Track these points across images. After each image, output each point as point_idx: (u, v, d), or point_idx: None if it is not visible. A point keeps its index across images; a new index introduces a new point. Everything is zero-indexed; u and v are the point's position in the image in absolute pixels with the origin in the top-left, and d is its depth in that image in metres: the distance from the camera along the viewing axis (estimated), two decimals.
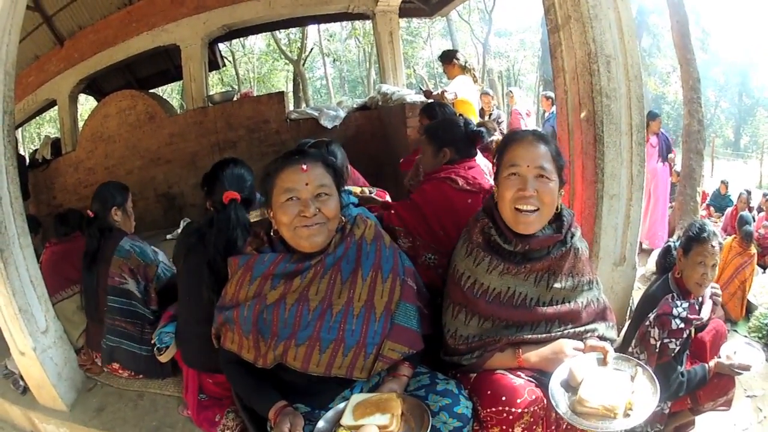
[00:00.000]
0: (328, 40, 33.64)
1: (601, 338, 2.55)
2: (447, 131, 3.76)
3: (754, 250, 7.49)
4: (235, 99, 9.29)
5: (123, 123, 9.45)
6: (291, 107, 9.65)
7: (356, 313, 2.28)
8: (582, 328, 2.50)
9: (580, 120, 3.78)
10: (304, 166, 2.25)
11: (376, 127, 8.25)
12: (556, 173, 2.42)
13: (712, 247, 3.34)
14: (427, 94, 7.04)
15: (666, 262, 3.74)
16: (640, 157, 3.80)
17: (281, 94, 8.95)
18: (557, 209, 2.49)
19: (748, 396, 4.15)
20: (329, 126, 8.07)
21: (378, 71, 10.41)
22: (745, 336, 6.40)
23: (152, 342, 3.72)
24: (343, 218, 2.43)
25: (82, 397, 4.08)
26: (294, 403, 2.30)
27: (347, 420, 2.09)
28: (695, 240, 3.39)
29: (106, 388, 4.10)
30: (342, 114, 8.27)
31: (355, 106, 8.84)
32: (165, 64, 11.80)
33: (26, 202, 8.77)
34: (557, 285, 2.46)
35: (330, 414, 2.19)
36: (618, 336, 2.69)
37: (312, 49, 28.01)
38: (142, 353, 3.93)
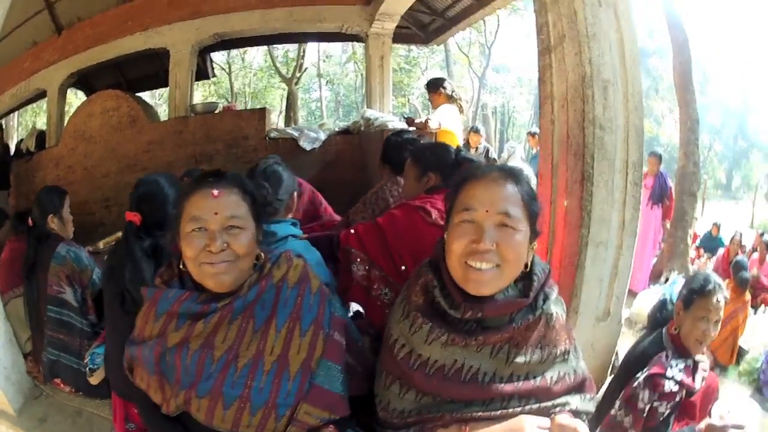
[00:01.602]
0: (325, 61, 33.20)
1: (575, 413, 2.07)
2: (435, 155, 3.42)
3: (748, 296, 7.44)
4: (217, 112, 9.10)
5: (105, 124, 9.24)
6: (282, 125, 9.46)
7: (266, 369, 1.97)
8: (550, 403, 2.03)
9: (567, 154, 3.42)
10: (215, 192, 1.97)
11: (356, 152, 8.03)
12: (526, 222, 1.95)
13: (717, 301, 3.05)
14: (409, 121, 6.75)
15: (660, 316, 3.38)
16: (635, 199, 3.48)
17: (263, 111, 8.71)
18: (526, 267, 2.01)
19: None
20: (308, 148, 7.78)
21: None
22: (734, 381, 6.52)
23: (84, 362, 3.61)
24: (261, 255, 2.11)
25: (29, 404, 4.11)
26: None
27: None
28: (698, 293, 3.09)
29: (50, 399, 4.10)
30: (322, 137, 8.03)
31: (336, 129, 8.64)
32: (155, 68, 11.62)
33: (4, 192, 9.81)
34: (520, 359, 2.00)
35: None
36: (593, 405, 2.21)
37: (306, 68, 27.66)
38: (81, 369, 3.79)
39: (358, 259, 3.14)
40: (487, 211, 1.88)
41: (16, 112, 18.25)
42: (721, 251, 12.19)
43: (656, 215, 9.05)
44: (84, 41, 9.77)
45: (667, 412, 2.88)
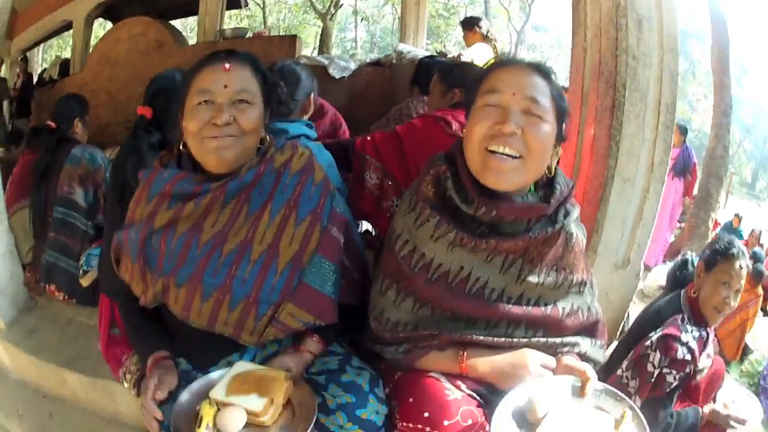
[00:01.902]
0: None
1: (583, 358, 1.90)
2: (462, 71, 3.35)
3: (760, 290, 7.32)
4: (246, 37, 8.89)
5: (132, 49, 9.08)
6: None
7: (253, 258, 1.87)
8: (558, 339, 1.85)
9: (598, 82, 3.21)
10: (227, 65, 1.89)
11: (386, 84, 7.75)
12: (553, 116, 1.75)
13: (740, 267, 2.92)
14: (442, 56, 6.55)
15: (680, 275, 3.30)
16: (666, 143, 3.25)
17: (294, 38, 8.46)
18: (549, 171, 1.82)
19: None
20: (337, 76, 7.51)
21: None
22: (736, 380, 6.27)
23: (80, 263, 3.66)
24: (267, 138, 2.02)
25: (22, 316, 3.98)
26: (178, 355, 1.98)
27: (217, 393, 1.68)
28: (722, 255, 2.96)
29: (43, 310, 4.02)
30: (352, 66, 7.75)
31: (368, 60, 8.39)
32: None
33: (27, 119, 10.05)
34: (533, 278, 1.80)
35: (198, 384, 1.81)
36: (603, 354, 2.07)
37: (341, 4, 27.41)
38: (77, 273, 3.78)
39: (372, 167, 3.04)
40: (514, 94, 1.70)
41: (41, 46, 18.13)
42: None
43: (677, 188, 8.72)
44: None
45: (675, 383, 2.71)
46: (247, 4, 16.38)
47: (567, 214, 1.86)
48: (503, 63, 1.83)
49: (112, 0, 9.91)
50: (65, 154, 4.01)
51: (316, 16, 26.41)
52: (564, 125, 1.81)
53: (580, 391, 1.66)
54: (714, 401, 3.07)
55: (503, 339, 1.78)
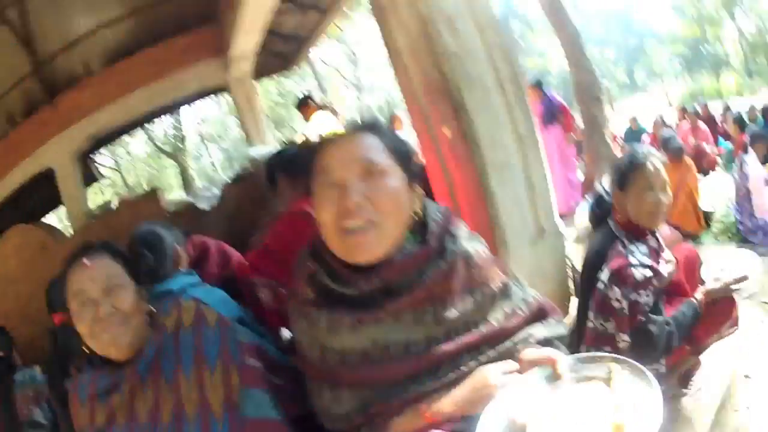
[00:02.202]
0: (201, 123, 33.64)
1: (543, 343, 1.79)
2: (301, 157, 3.44)
3: (688, 161, 7.48)
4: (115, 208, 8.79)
5: (21, 261, 8.68)
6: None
7: (190, 418, 1.85)
8: (509, 342, 1.75)
9: (431, 94, 3.22)
10: (87, 262, 1.95)
11: (255, 194, 7.62)
12: (396, 165, 1.70)
13: (654, 167, 2.82)
14: (291, 144, 6.63)
15: (600, 210, 3.16)
16: (524, 111, 3.30)
17: (154, 192, 8.02)
18: (416, 215, 1.76)
19: (745, 298, 3.64)
20: (207, 207, 7.39)
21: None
22: (714, 243, 6.47)
23: None
24: (153, 310, 2.05)
25: None
26: None
27: None
28: (628, 168, 2.87)
29: None
30: (216, 192, 7.71)
31: (228, 180, 8.23)
32: (48, 190, 10.71)
33: None
34: (450, 314, 1.71)
35: None
36: (563, 327, 1.94)
37: (184, 136, 28.32)
38: None
39: (261, 286, 2.97)
40: (346, 165, 1.64)
41: None
42: (647, 139, 12.31)
43: (555, 134, 8.92)
44: None
45: (651, 300, 2.66)
46: (102, 176, 16.31)
47: (454, 239, 1.79)
48: (329, 140, 1.77)
49: None
50: (10, 381, 4.28)
51: (168, 157, 27.05)
52: (411, 165, 1.75)
53: (555, 376, 1.57)
54: (702, 283, 2.99)
55: (454, 375, 1.68)
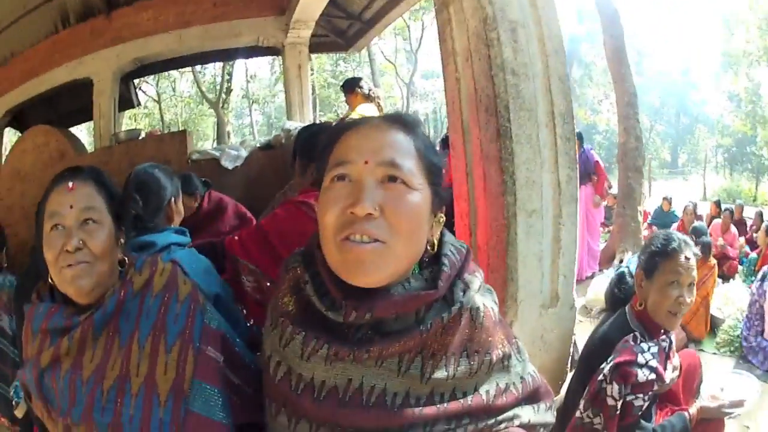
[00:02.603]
0: (250, 81, 33.83)
1: (528, 428, 1.57)
2: (315, 141, 2.95)
3: (713, 261, 7.34)
4: (140, 138, 9.01)
5: (37, 160, 9.05)
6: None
7: (134, 391, 1.71)
8: (491, 420, 1.50)
9: (477, 111, 3.00)
10: (70, 184, 1.83)
11: (279, 166, 7.69)
12: (423, 179, 1.41)
13: (686, 259, 2.64)
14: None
15: (619, 292, 2.99)
16: (570, 156, 3.08)
17: (183, 133, 8.53)
18: (431, 245, 1.48)
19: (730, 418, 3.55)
20: (230, 166, 7.59)
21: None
22: (714, 353, 6.33)
23: (10, 395, 3.68)
24: (126, 260, 1.90)
25: None
26: None
27: None
28: (661, 255, 2.67)
29: None
30: (243, 154, 7.80)
31: (258, 145, 8.34)
32: (84, 101, 11.09)
33: None
34: (440, 374, 1.45)
35: None
36: (552, 414, 1.72)
37: (231, 89, 28.37)
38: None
39: (247, 270, 2.82)
40: (366, 162, 1.37)
41: None
42: (675, 226, 12.02)
43: (586, 194, 8.68)
44: (18, 77, 9.80)
45: (645, 404, 2.47)
46: (140, 103, 16.61)
47: (466, 288, 1.51)
48: (352, 125, 1.49)
49: (18, 106, 10.08)
50: None
51: (209, 105, 27.31)
52: (440, 185, 1.49)
53: None
54: (697, 397, 2.91)
55: None
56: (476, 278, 1.55)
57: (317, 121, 9.88)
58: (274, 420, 1.55)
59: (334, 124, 1.98)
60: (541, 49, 2.96)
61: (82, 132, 14.61)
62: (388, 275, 1.37)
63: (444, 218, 1.53)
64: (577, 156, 8.28)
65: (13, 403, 3.52)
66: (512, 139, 2.83)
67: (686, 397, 2.89)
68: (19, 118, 10.99)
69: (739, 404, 2.80)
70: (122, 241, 1.92)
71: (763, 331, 6.06)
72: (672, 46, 41.94)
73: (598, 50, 25.86)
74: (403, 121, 1.47)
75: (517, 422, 1.54)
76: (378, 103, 6.46)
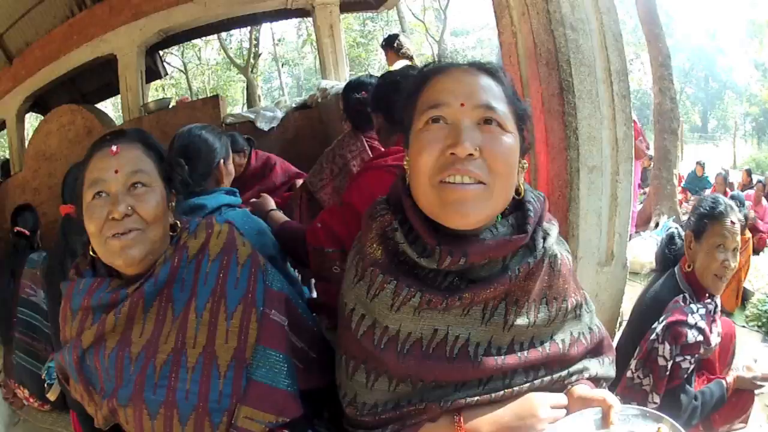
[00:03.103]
0: (278, 44, 33.61)
1: (595, 381, 1.64)
2: (395, 91, 2.70)
3: (748, 234, 7.13)
4: (170, 107, 9.03)
5: (63, 139, 9.15)
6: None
7: (191, 365, 1.65)
8: (564, 372, 1.55)
9: (537, 67, 2.94)
10: (114, 148, 1.71)
11: (317, 126, 7.77)
12: (514, 122, 1.42)
13: (732, 224, 2.70)
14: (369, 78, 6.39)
15: (669, 253, 3.03)
16: (626, 114, 3.01)
17: (216, 98, 8.55)
18: (518, 192, 1.49)
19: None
20: (266, 128, 7.58)
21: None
22: (743, 326, 6.18)
23: (42, 377, 3.71)
24: (178, 224, 1.82)
25: (9, 431, 4.11)
26: None
27: None
28: (709, 217, 2.73)
29: (28, 423, 4.09)
30: (279, 114, 7.78)
31: (293, 105, 8.28)
32: (108, 77, 11.43)
33: None
34: (522, 321, 1.50)
35: None
36: (614, 369, 1.80)
37: (260, 54, 28.13)
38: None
39: (337, 259, 2.47)
40: (462, 104, 1.38)
41: None
42: (707, 192, 11.90)
43: None
44: (35, 63, 9.83)
45: (691, 367, 2.52)
46: (167, 73, 16.61)
47: (546, 236, 1.53)
48: (442, 69, 1.48)
49: (38, 90, 10.01)
50: (24, 257, 4.32)
51: (238, 71, 27.09)
52: (526, 131, 1.49)
53: (603, 422, 1.44)
54: (732, 368, 2.96)
55: (502, 392, 1.48)
56: (554, 226, 1.59)
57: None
58: (350, 379, 1.58)
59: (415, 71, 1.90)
60: (595, 5, 2.90)
61: (107, 108, 14.70)
62: (485, 217, 1.39)
63: (527, 164, 1.53)
64: None
65: (45, 385, 3.58)
66: (575, 94, 2.79)
67: (722, 366, 2.95)
68: (41, 103, 10.97)
69: None
70: (173, 204, 1.83)
71: None
72: (698, 9, 41.21)
73: (627, 9, 25.47)
74: (490, 68, 1.47)
75: (586, 375, 1.61)
76: (413, 60, 6.41)
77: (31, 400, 4.04)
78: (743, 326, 6.28)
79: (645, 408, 1.48)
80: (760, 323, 6.30)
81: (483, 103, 1.36)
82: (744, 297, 6.70)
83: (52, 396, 3.60)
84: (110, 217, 1.63)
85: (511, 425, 1.45)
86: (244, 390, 1.67)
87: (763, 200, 10.45)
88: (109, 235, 1.64)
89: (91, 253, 1.77)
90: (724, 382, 2.76)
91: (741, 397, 2.83)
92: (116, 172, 1.67)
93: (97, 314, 1.72)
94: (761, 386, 2.83)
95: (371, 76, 4.06)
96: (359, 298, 1.52)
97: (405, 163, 1.51)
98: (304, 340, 1.87)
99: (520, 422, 1.45)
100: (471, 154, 1.31)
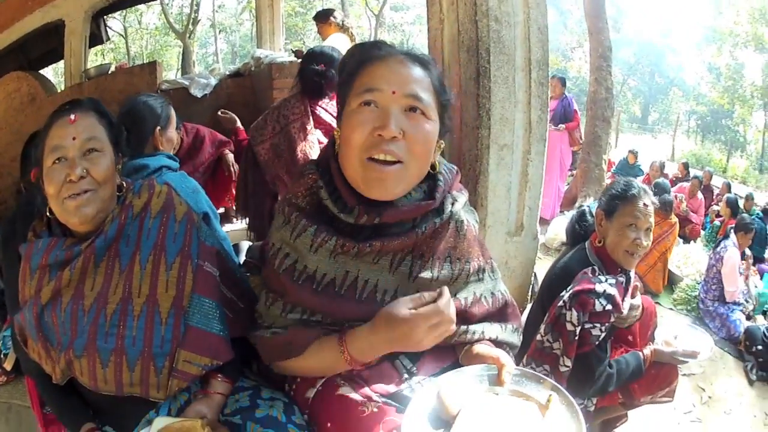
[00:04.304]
0: (218, 10, 33.24)
1: (496, 344, 1.82)
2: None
3: (674, 219, 7.50)
4: (109, 73, 8.84)
5: (9, 107, 8.93)
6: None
7: (136, 313, 1.81)
8: (464, 326, 1.74)
9: (458, 51, 3.11)
10: (72, 116, 1.86)
11: (248, 94, 7.90)
12: (436, 110, 1.63)
13: (645, 206, 2.80)
14: (299, 53, 6.75)
15: (580, 228, 3.17)
16: (542, 100, 3.20)
17: (153, 64, 8.39)
18: (432, 168, 1.72)
19: (684, 375, 3.71)
20: (199, 95, 7.57)
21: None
22: (670, 308, 6.59)
23: None
24: (124, 185, 1.97)
25: None
26: (102, 423, 1.95)
27: None
28: (621, 198, 2.84)
29: None
30: (213, 82, 7.79)
31: (227, 73, 8.29)
32: (54, 42, 10.94)
33: None
34: (426, 274, 1.70)
35: None
36: (518, 336, 1.98)
37: (199, 20, 27.80)
38: None
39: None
40: (393, 92, 1.57)
41: None
42: (640, 179, 12.18)
43: (562, 138, 8.88)
44: None
45: (602, 335, 2.59)
46: (109, 38, 16.10)
47: (454, 201, 1.76)
48: (378, 56, 1.66)
49: None
50: None
51: (176, 36, 26.50)
52: (447, 119, 1.71)
53: (497, 380, 1.57)
54: (652, 341, 3.02)
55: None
56: (462, 195, 1.81)
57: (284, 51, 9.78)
58: (267, 310, 1.77)
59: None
60: (524, 0, 3.06)
61: (48, 73, 14.39)
62: (402, 191, 1.60)
63: (443, 144, 1.75)
64: (559, 99, 8.50)
65: (2, 355, 3.57)
66: (490, 79, 2.96)
67: (642, 340, 3.04)
68: None
69: (692, 355, 2.90)
70: (119, 167, 1.98)
71: (719, 297, 6.26)
72: (654, 9, 41.61)
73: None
74: (422, 60, 1.66)
75: (486, 336, 1.79)
76: (351, 33, 6.51)
77: None
78: (671, 308, 6.61)
79: (541, 375, 1.59)
80: (689, 308, 6.61)
81: (411, 92, 1.56)
82: (671, 281, 7.02)
83: (8, 365, 3.59)
84: (68, 179, 1.77)
85: (387, 337, 1.54)
86: (182, 336, 1.81)
87: (699, 195, 10.79)
88: (66, 195, 1.78)
89: (47, 214, 1.92)
90: (641, 353, 2.88)
91: (661, 370, 2.91)
92: (74, 139, 1.82)
93: (54, 271, 1.84)
94: (683, 362, 2.93)
95: (333, 49, 4.22)
96: (284, 239, 1.69)
97: (336, 133, 1.69)
98: (232, 291, 2.01)
99: (390, 329, 1.53)
100: (395, 137, 1.52)
